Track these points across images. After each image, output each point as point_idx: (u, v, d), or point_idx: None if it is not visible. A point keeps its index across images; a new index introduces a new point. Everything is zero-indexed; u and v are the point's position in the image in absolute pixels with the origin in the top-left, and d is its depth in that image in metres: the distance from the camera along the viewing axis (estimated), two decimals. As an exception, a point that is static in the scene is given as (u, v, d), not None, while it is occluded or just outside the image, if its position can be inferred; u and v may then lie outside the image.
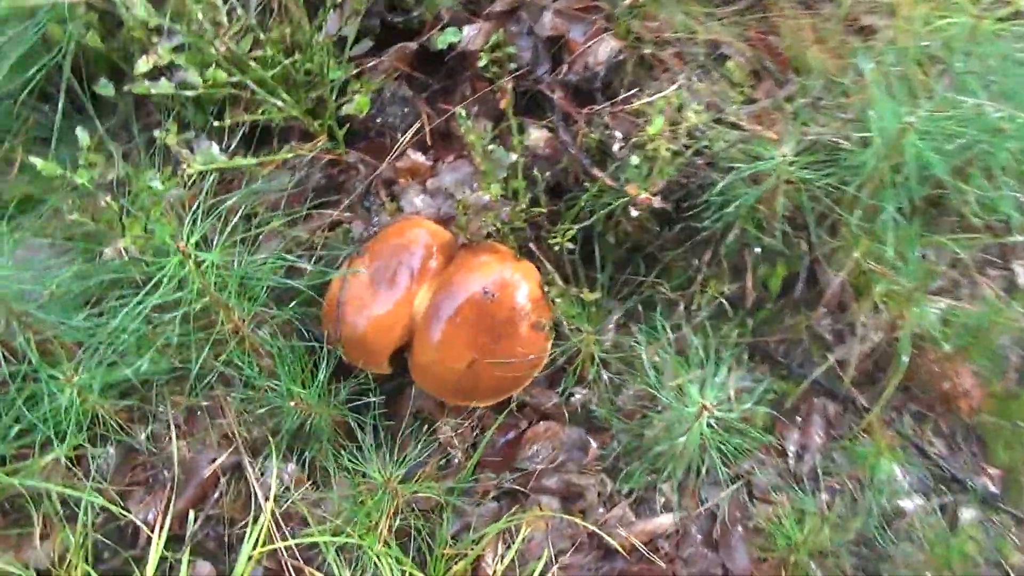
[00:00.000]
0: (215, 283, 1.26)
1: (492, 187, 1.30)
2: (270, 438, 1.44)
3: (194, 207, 1.17)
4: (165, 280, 1.16)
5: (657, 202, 1.34)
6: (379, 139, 1.61)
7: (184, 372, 1.43)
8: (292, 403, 1.30)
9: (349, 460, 1.41)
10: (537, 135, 1.60)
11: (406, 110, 1.59)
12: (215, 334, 1.31)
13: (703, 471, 1.51)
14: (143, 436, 1.55)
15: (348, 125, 1.58)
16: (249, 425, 1.54)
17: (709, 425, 1.35)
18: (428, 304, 1.44)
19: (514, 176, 1.43)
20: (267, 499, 1.48)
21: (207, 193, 1.18)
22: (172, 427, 1.54)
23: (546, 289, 1.47)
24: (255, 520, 1.45)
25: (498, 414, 1.59)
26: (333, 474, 1.45)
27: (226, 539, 1.50)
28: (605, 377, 1.53)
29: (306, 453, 1.53)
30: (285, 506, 1.50)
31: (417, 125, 1.61)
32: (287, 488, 1.52)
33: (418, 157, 1.61)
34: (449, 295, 1.43)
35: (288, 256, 1.30)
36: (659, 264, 1.64)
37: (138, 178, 1.22)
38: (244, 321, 1.36)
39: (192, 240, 1.17)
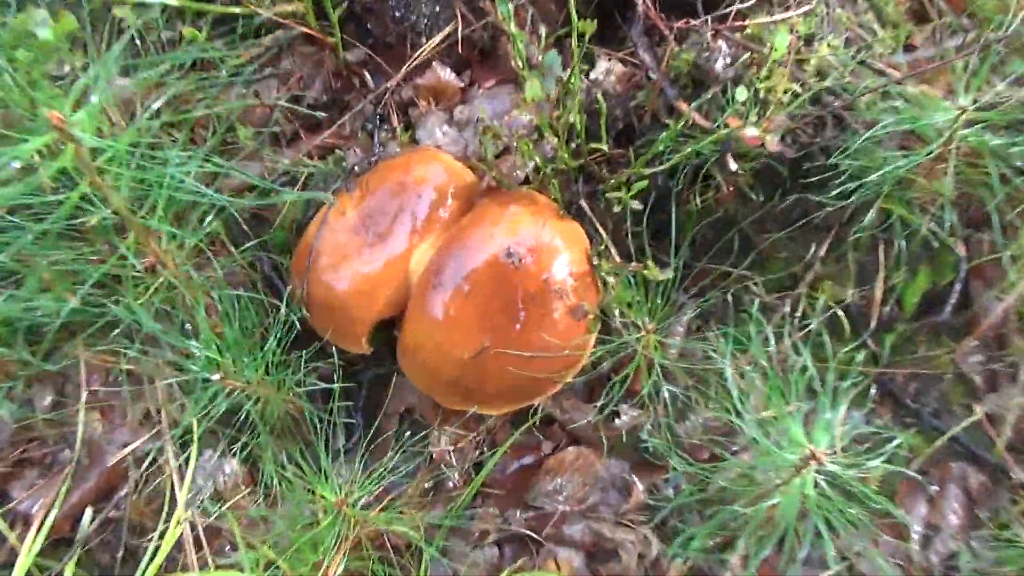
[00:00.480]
0: (126, 191, 0.87)
1: (531, 86, 0.88)
2: (194, 423, 1.05)
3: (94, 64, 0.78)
4: (37, 169, 0.78)
5: (773, 143, 0.91)
6: (399, 46, 1.21)
7: (102, 321, 1.06)
8: (216, 376, 0.90)
9: (295, 467, 1.01)
10: (606, 67, 1.18)
11: (437, 8, 1.19)
12: (116, 266, 0.92)
13: (793, 543, 1.06)
14: (46, 401, 1.19)
15: (351, 10, 1.17)
16: (181, 403, 1.15)
17: (816, 484, 0.91)
18: (430, 264, 1.03)
19: (564, 96, 1.01)
20: (188, 507, 1.09)
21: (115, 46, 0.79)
22: (83, 393, 1.16)
23: (595, 262, 1.05)
24: (162, 536, 1.06)
25: (514, 428, 1.17)
26: (267, 482, 1.05)
27: (124, 551, 1.12)
28: (666, 394, 1.09)
29: (250, 449, 1.14)
30: (213, 517, 1.11)
31: (449, 30, 1.20)
32: (218, 494, 1.13)
33: (446, 75, 1.21)
34: (460, 254, 1.02)
35: (221, 163, 0.90)
36: (754, 249, 1.20)
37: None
38: (172, 258, 0.97)
39: (81, 115, 0.78)
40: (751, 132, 0.89)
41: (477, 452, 1.18)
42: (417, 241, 1.06)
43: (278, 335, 0.99)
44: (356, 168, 1.13)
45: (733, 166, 0.98)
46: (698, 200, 1.11)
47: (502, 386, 1.01)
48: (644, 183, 1.00)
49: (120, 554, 1.11)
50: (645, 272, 0.95)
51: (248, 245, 1.09)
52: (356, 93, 1.24)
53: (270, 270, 1.14)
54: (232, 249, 1.11)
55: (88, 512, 1.13)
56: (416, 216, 1.07)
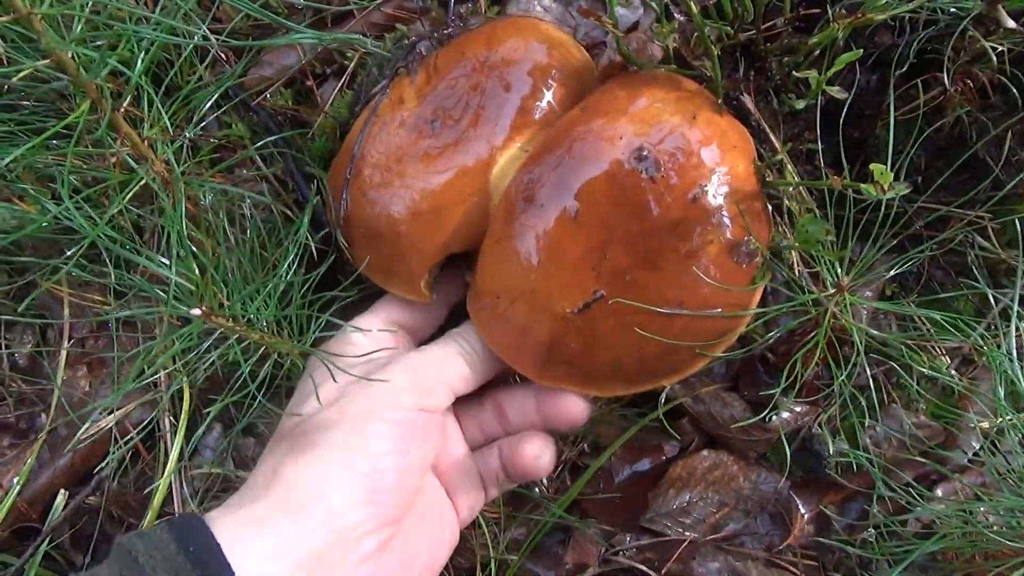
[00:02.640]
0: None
1: None
2: (185, 383, 0.76)
3: None
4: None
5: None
6: None
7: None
8: (196, 311, 0.60)
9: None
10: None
11: None
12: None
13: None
14: (26, 348, 0.93)
15: None
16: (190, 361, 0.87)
17: None
18: (521, 175, 0.71)
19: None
20: (186, 499, 0.81)
21: None
22: (64, 341, 0.90)
23: (767, 176, 0.70)
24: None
25: (624, 419, 0.84)
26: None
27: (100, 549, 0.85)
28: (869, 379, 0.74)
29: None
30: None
31: None
32: (229, 482, 0.84)
33: (551, -73, 0.88)
34: (566, 160, 0.69)
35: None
36: (992, 181, 0.82)
37: None
38: (157, 149, 0.68)
39: None
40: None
41: (576, 449, 0.86)
42: (504, 142, 0.73)
43: (294, 259, 0.69)
44: (421, 45, 0.81)
45: (1010, 23, 0.61)
46: (922, 99, 0.74)
47: (620, 356, 0.68)
48: (857, 52, 0.64)
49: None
50: (863, 188, 0.59)
51: (268, 139, 0.79)
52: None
53: (303, 184, 0.84)
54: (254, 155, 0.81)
55: (61, 495, 0.86)
56: (503, 108, 0.74)
